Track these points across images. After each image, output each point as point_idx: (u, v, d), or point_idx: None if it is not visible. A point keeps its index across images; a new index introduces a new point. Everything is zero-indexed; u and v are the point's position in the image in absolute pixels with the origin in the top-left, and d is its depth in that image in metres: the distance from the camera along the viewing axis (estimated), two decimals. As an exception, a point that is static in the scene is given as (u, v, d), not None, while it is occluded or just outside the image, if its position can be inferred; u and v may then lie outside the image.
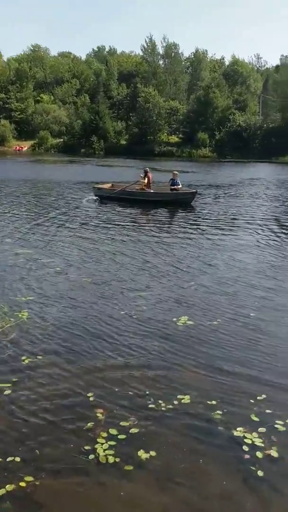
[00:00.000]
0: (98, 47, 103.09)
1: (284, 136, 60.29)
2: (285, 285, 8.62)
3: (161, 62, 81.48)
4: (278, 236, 12.96)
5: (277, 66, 79.79)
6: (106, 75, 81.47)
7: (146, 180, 18.72)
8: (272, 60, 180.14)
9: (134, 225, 14.40)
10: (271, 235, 13.04)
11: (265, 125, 65.30)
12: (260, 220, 15.50)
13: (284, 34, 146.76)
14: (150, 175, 19.02)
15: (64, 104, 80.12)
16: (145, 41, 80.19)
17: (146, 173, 18.91)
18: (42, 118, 75.26)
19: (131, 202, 18.47)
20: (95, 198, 19.67)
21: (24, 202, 19.11)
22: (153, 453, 4.02)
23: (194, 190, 19.35)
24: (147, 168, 19.77)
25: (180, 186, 19.16)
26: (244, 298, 7.87)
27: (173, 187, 18.91)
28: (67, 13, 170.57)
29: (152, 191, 18.97)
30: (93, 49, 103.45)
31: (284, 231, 13.84)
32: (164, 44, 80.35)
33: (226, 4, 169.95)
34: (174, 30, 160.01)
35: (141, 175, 19.13)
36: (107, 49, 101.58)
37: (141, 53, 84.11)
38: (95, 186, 20.77)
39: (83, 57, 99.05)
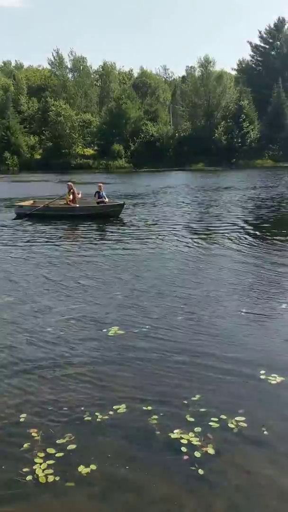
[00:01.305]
0: (3, 62, 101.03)
1: (195, 144, 62.60)
2: (201, 292, 8.92)
3: (70, 75, 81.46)
4: (190, 243, 13.29)
5: (183, 77, 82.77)
6: (15, 89, 79.99)
7: (71, 196, 18.25)
8: (178, 71, 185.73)
9: (57, 242, 13.98)
10: (185, 243, 13.34)
11: (176, 134, 67.38)
12: (176, 228, 15.84)
13: (188, 46, 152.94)
14: (75, 189, 18.57)
15: (-28, 121, 77.55)
16: (52, 54, 79.84)
17: (70, 188, 18.44)
18: None
19: (56, 218, 17.76)
20: (15, 216, 18.72)
21: None
22: (93, 466, 3.98)
23: (121, 202, 18.84)
24: (71, 183, 19.21)
25: (107, 199, 18.81)
26: (168, 304, 8.04)
27: (99, 199, 18.52)
28: None
29: (77, 205, 18.46)
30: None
31: (195, 237, 14.24)
32: (72, 58, 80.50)
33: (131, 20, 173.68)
34: (82, 42, 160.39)
35: (66, 191, 18.54)
36: (13, 64, 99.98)
37: (49, 67, 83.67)
38: (16, 203, 19.66)
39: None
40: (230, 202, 22.97)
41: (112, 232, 15.78)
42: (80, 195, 18.80)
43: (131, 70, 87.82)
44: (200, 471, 3.90)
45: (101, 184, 19.34)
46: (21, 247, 13.07)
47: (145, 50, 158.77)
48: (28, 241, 14.05)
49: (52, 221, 17.40)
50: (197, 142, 62.66)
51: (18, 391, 5.23)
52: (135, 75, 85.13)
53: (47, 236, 14.99)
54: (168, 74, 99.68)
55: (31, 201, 20.00)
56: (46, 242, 13.93)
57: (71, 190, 18.39)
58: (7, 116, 71.15)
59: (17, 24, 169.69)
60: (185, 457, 4.09)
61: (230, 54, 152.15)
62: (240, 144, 61.43)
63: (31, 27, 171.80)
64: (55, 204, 18.68)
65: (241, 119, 61.86)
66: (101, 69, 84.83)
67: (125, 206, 18.74)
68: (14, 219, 18.39)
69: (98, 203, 18.52)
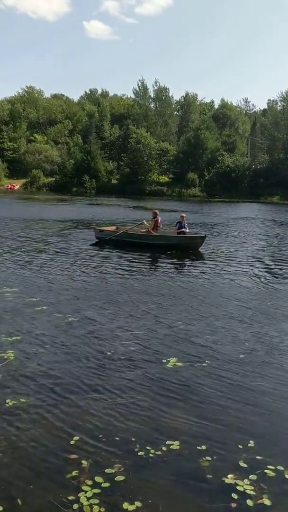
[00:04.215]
0: (90, 90, 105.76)
1: (272, 176, 61.74)
2: (271, 330, 8.59)
3: (152, 105, 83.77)
4: (268, 279, 12.88)
5: (264, 110, 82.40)
6: (99, 116, 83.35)
7: (153, 223, 17.87)
8: (259, 104, 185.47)
9: (130, 268, 13.86)
10: (263, 278, 12.95)
11: (253, 166, 66.92)
12: (251, 262, 15.42)
13: (271, 80, 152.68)
14: (159, 218, 18.06)
15: (56, 144, 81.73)
16: (137, 84, 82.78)
17: (155, 215, 17.99)
18: (34, 157, 76.57)
19: (134, 245, 17.38)
20: (95, 240, 18.61)
21: (14, 241, 18.87)
22: (138, 503, 3.86)
23: (203, 234, 18.01)
24: (157, 211, 18.66)
25: (188, 230, 18.37)
26: (234, 341, 7.80)
27: (179, 230, 18.00)
28: (61, 57, 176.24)
29: (157, 234, 17.98)
30: (85, 92, 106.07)
31: (271, 274, 13.81)
32: (156, 88, 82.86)
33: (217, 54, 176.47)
34: (165, 72, 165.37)
35: (150, 218, 18.21)
36: (99, 92, 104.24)
37: (133, 96, 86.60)
38: (97, 228, 19.55)
39: (76, 99, 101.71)
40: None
41: (186, 263, 15.41)
42: (161, 225, 18.42)
43: (212, 102, 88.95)
44: (251, 524, 3.68)
45: (184, 215, 18.87)
46: (93, 271, 13.20)
47: (228, 81, 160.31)
48: (101, 265, 14.18)
49: (128, 248, 17.12)
50: (274, 174, 61.82)
51: (71, 416, 5.22)
52: (216, 106, 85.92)
53: (122, 262, 14.89)
54: (249, 107, 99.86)
55: (114, 227, 19.83)
56: (119, 268, 13.86)
57: (155, 218, 17.93)
58: (89, 142, 74.36)
59: (107, 55, 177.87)
60: (234, 504, 3.88)
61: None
62: None
63: (119, 58, 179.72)
64: (134, 231, 18.35)
65: None
66: (182, 100, 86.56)
67: (206, 238, 17.93)
68: (93, 243, 18.31)
69: (178, 233, 17.97)
